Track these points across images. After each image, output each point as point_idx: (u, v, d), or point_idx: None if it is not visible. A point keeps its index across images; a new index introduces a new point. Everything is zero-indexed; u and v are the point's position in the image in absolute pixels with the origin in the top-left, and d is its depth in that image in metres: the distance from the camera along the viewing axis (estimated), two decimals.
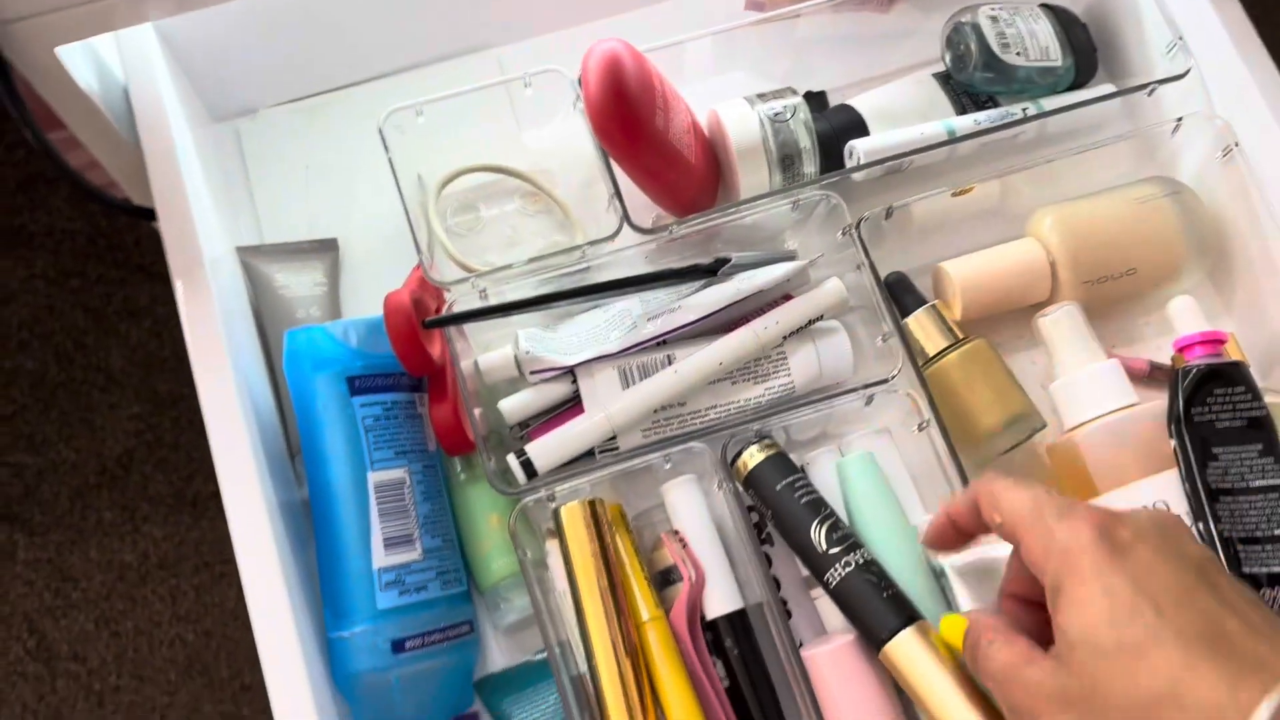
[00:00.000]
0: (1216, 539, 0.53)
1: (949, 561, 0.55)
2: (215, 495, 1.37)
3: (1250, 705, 0.34)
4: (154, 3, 0.54)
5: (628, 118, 0.57)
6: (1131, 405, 0.58)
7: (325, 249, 0.65)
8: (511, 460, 0.58)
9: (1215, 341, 0.56)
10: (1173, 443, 0.56)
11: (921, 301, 0.62)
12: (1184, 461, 0.54)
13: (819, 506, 0.54)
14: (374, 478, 0.56)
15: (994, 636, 0.42)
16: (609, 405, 0.58)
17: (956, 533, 0.46)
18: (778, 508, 0.54)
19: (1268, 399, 0.57)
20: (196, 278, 0.55)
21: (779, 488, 0.54)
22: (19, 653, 1.33)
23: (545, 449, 0.58)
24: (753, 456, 0.55)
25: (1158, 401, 0.57)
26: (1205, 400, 0.55)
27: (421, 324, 0.57)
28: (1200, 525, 0.53)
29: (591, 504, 0.56)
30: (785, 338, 0.60)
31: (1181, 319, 0.59)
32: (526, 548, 0.55)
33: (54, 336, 1.45)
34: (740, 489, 0.57)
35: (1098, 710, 0.37)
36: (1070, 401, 0.59)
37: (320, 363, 0.57)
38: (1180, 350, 0.57)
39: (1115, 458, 0.57)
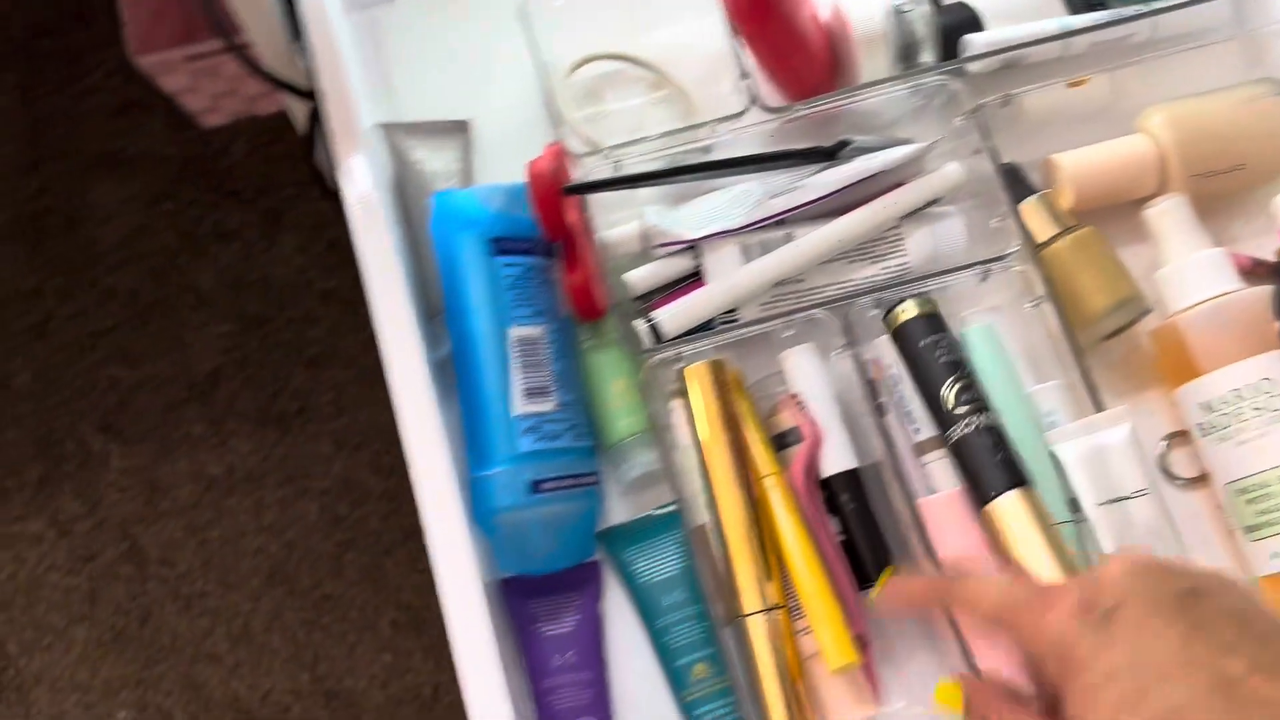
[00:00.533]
0: None
1: (1062, 448, 0.57)
2: (300, 412, 1.43)
3: None
4: None
5: None
6: (1236, 290, 0.60)
7: (459, 129, 0.69)
8: (640, 324, 0.61)
9: None
10: (1276, 324, 0.58)
11: (1032, 191, 0.65)
12: None
13: (956, 367, 0.57)
14: (514, 333, 0.59)
15: (1002, 711, 0.41)
16: (731, 277, 0.62)
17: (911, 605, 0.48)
18: (918, 361, 0.57)
19: None
20: (355, 148, 0.59)
21: (923, 343, 0.57)
22: (112, 556, 1.39)
23: (672, 315, 0.61)
24: (907, 310, 0.58)
25: (1262, 287, 0.59)
26: None
27: (562, 190, 0.60)
28: None
29: (715, 364, 0.59)
30: (902, 219, 0.63)
31: None
32: (654, 403, 0.59)
33: (148, 257, 1.50)
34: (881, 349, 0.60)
35: None
36: (1176, 287, 0.61)
37: (466, 223, 0.60)
38: None
39: (1218, 340, 0.59)
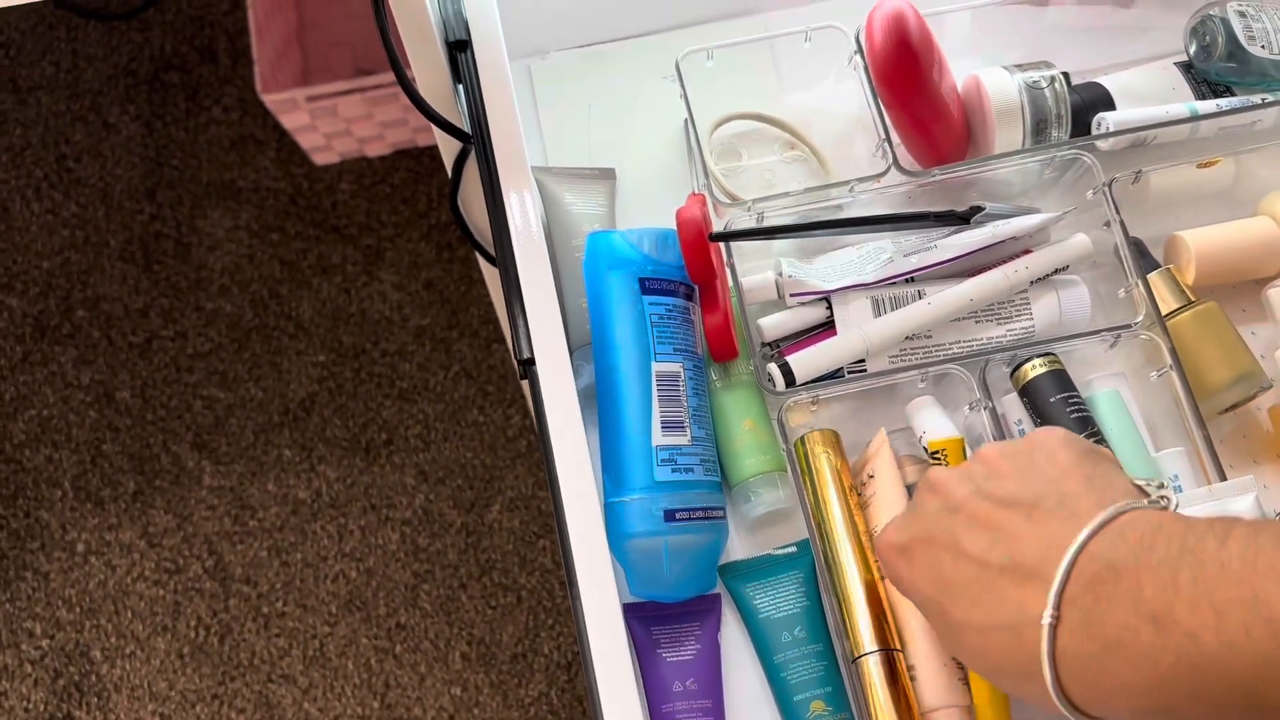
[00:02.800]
0: None
1: (1189, 509, 0.59)
2: (387, 443, 1.47)
3: (1041, 599, 0.43)
4: None
5: (910, 66, 0.63)
6: None
7: (605, 176, 0.73)
8: (773, 367, 0.64)
9: None
10: None
11: (1156, 265, 0.67)
12: None
13: (1086, 424, 0.59)
14: (656, 367, 0.62)
15: None
16: (862, 329, 0.64)
17: None
18: (1048, 417, 0.59)
19: None
20: (522, 186, 0.63)
21: (1054, 399, 0.59)
22: (197, 570, 1.43)
23: (804, 360, 0.64)
24: (1035, 368, 0.60)
25: None
26: None
27: (708, 237, 0.63)
28: None
29: (826, 433, 0.62)
30: (1031, 283, 0.65)
31: None
32: (785, 439, 0.61)
33: (252, 285, 1.56)
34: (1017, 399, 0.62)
35: (949, 639, 0.49)
36: None
37: (617, 263, 0.64)
38: None
39: None
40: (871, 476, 0.61)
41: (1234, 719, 0.39)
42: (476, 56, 0.66)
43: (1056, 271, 0.66)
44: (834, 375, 0.65)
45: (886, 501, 0.61)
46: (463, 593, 1.41)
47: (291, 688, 1.38)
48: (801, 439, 0.63)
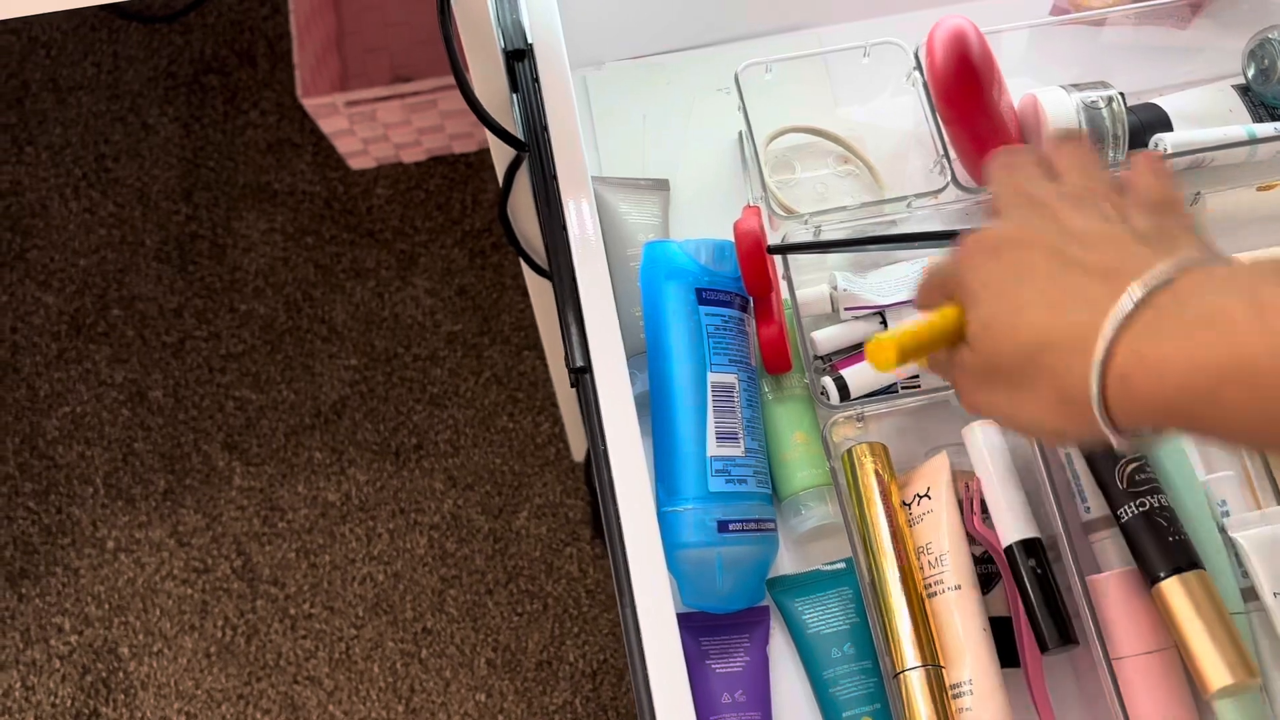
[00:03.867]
0: None
1: (1240, 535, 0.59)
2: (417, 448, 1.47)
3: (1097, 323, 0.40)
4: None
5: (971, 82, 0.64)
6: None
7: (660, 187, 0.73)
8: (828, 381, 0.64)
9: None
10: None
11: None
12: None
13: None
14: (712, 378, 0.63)
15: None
16: None
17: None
18: None
19: None
20: (580, 194, 0.63)
21: None
22: (226, 570, 1.44)
23: (858, 374, 0.64)
24: None
25: None
26: None
27: (766, 249, 0.64)
28: None
29: (875, 446, 0.62)
30: None
31: None
32: (831, 457, 0.61)
33: (285, 287, 1.57)
34: None
35: (1002, 374, 0.44)
36: None
37: (674, 272, 0.64)
38: None
39: None
40: (926, 495, 0.61)
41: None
42: (538, 65, 0.67)
43: None
44: (888, 390, 0.65)
45: (939, 521, 0.61)
46: (489, 599, 1.42)
47: (317, 689, 1.38)
48: (849, 452, 0.62)
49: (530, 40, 0.69)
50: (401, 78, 1.56)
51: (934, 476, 0.61)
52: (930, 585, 0.60)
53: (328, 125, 1.49)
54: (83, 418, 1.51)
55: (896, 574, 0.60)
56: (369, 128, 1.49)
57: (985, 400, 0.47)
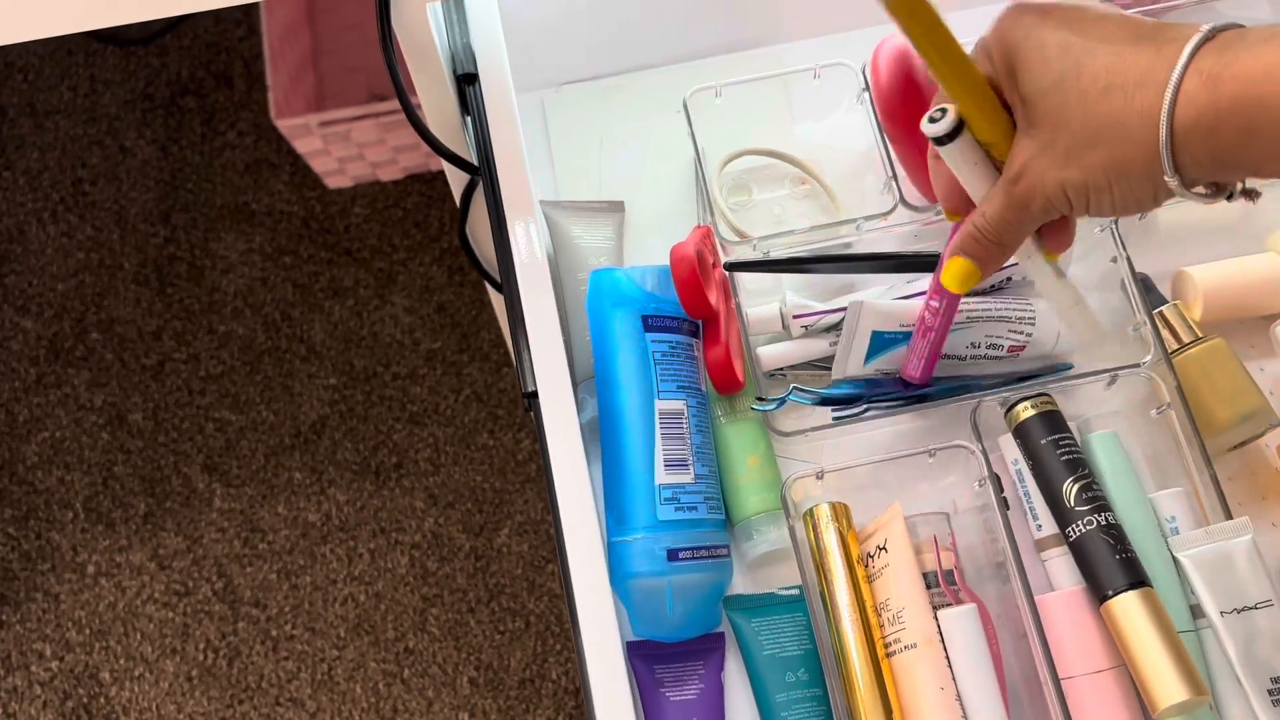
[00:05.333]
0: None
1: (1185, 554, 0.58)
2: (397, 467, 1.47)
3: (1173, 56, 0.42)
4: None
5: (916, 101, 0.63)
6: None
7: (614, 209, 0.73)
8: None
9: None
10: None
11: (1162, 301, 0.67)
12: None
13: (1078, 466, 0.58)
14: (660, 405, 0.62)
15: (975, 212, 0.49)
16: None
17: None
18: (1039, 459, 0.59)
19: None
20: (526, 218, 0.63)
21: (1044, 441, 0.59)
22: (207, 593, 1.43)
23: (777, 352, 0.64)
24: (1027, 409, 0.60)
25: None
26: None
27: (713, 268, 0.63)
28: None
29: (836, 506, 0.62)
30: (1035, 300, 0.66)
31: None
32: (790, 516, 0.61)
33: (264, 307, 1.57)
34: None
35: (1069, 134, 0.44)
36: None
37: (620, 300, 0.64)
38: None
39: None
40: (883, 548, 0.61)
41: None
42: (484, 90, 0.67)
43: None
44: (839, 421, 0.65)
45: (896, 576, 0.60)
46: (471, 617, 1.41)
47: (300, 711, 1.38)
48: (810, 512, 0.62)
49: (479, 65, 0.69)
50: (379, 96, 1.56)
51: (890, 528, 0.60)
52: (890, 644, 0.59)
53: (302, 146, 1.50)
54: (62, 442, 1.51)
55: (858, 644, 0.58)
56: (344, 147, 1.49)
57: (1050, 176, 0.45)
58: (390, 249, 1.59)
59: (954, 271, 0.52)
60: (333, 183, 1.60)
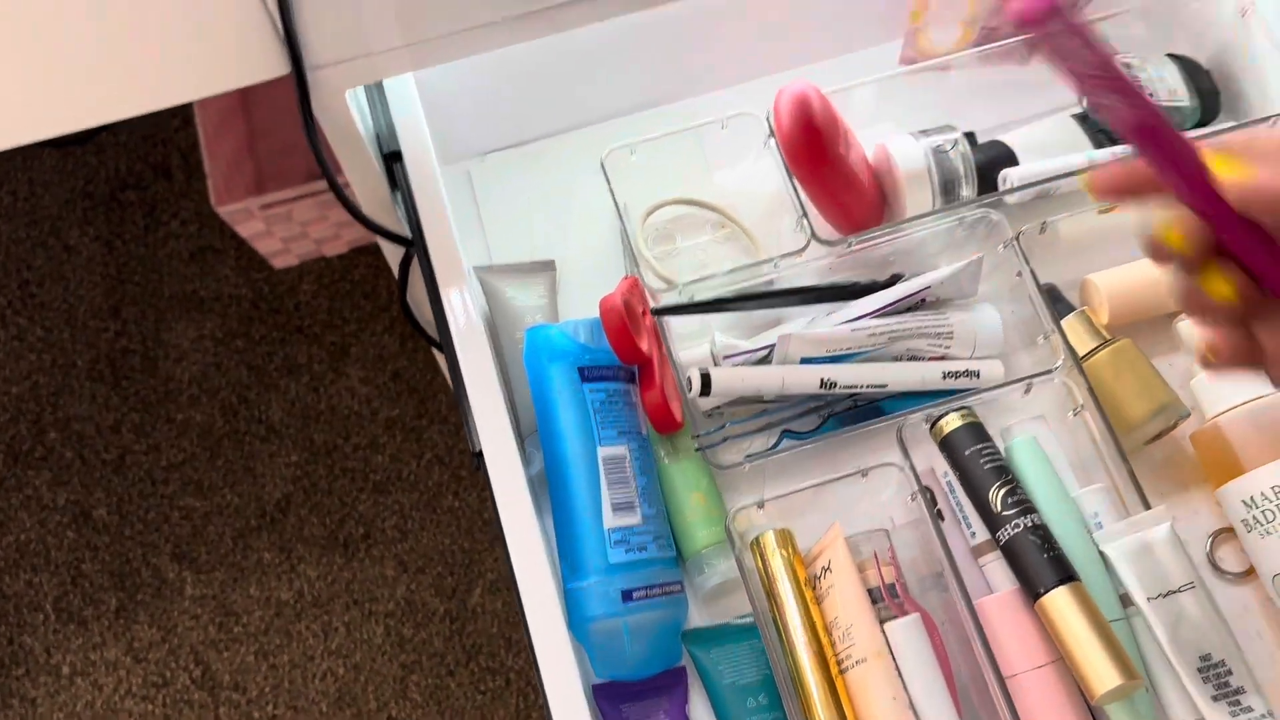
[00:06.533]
0: None
1: (1110, 546, 0.62)
2: (365, 537, 1.48)
3: None
4: (405, 60, 0.66)
5: (816, 143, 0.67)
6: (1271, 393, 0.65)
7: (545, 268, 0.76)
8: (694, 371, 0.66)
9: None
10: None
11: (1070, 309, 0.71)
12: None
13: (1001, 472, 0.62)
14: (602, 452, 0.65)
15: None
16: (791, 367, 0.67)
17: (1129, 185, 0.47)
18: (965, 469, 0.62)
19: None
20: (459, 287, 0.66)
21: (968, 452, 0.62)
22: (185, 682, 1.43)
23: (723, 375, 0.66)
24: (950, 422, 0.63)
25: None
26: None
27: (644, 312, 0.66)
28: None
29: (782, 533, 0.64)
30: (948, 312, 0.69)
31: None
32: (736, 548, 0.64)
33: (220, 392, 1.58)
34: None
35: None
36: (1213, 392, 0.66)
37: (555, 355, 0.66)
38: None
39: (1257, 440, 0.64)
40: (828, 569, 0.63)
41: None
42: (408, 167, 0.70)
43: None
44: (770, 452, 0.68)
45: (844, 594, 0.62)
46: (451, 680, 1.42)
47: None
48: (756, 540, 0.64)
49: (401, 143, 0.72)
50: (317, 175, 1.58)
51: (832, 549, 0.63)
52: (842, 661, 0.61)
53: (245, 230, 1.52)
54: (28, 545, 1.50)
55: (811, 665, 0.61)
56: (287, 227, 1.51)
57: None
58: (341, 322, 1.61)
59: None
60: (279, 262, 1.62)
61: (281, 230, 1.52)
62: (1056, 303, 0.71)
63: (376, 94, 0.74)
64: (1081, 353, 0.69)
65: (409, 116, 0.71)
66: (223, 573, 1.48)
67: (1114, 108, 0.41)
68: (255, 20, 0.59)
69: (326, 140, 0.71)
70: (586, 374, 0.66)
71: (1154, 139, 0.42)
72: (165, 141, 1.71)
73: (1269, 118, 0.72)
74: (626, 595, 0.62)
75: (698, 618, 0.68)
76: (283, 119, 1.65)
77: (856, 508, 0.68)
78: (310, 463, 1.54)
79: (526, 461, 0.70)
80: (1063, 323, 0.70)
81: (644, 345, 0.68)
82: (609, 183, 0.71)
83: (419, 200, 0.68)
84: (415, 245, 0.73)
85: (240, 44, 0.61)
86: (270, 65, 0.63)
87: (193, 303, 1.63)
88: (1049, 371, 0.65)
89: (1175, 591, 0.59)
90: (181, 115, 1.72)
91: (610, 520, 0.64)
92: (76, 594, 1.48)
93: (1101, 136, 0.75)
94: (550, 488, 0.66)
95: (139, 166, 1.70)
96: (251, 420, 1.56)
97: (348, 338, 1.60)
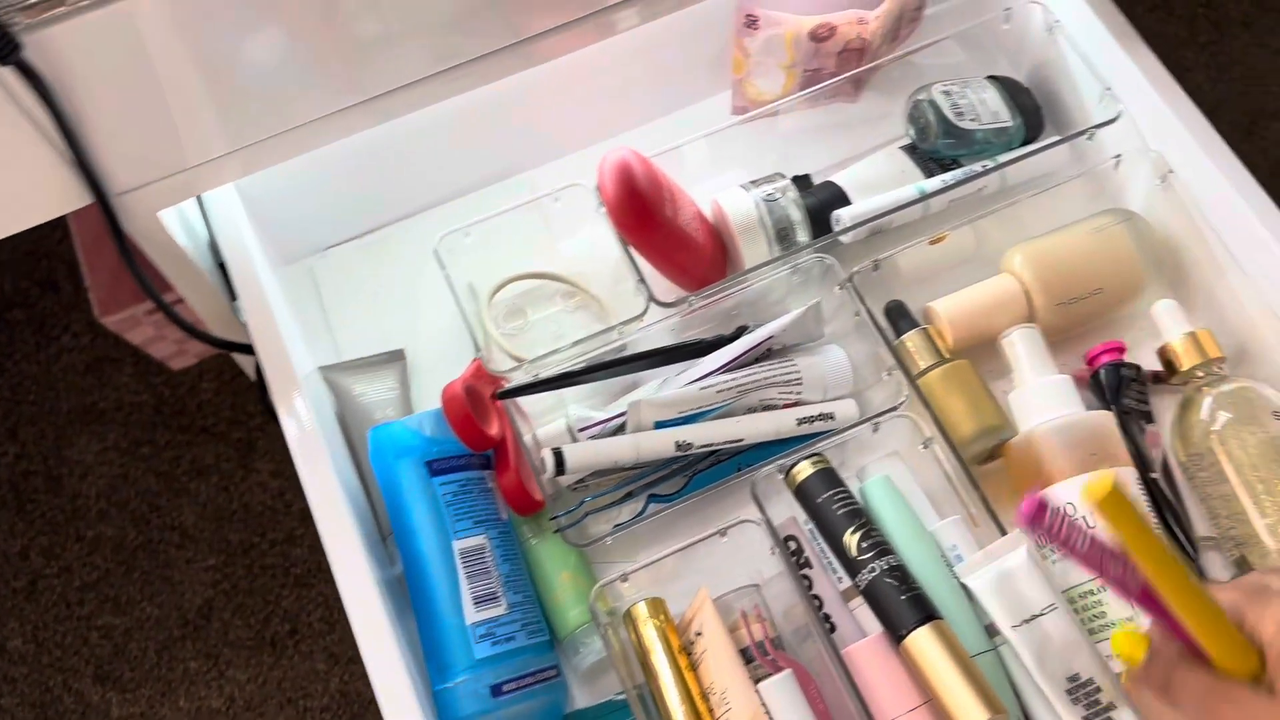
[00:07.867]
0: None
1: (971, 579, 0.61)
2: (292, 633, 1.45)
3: None
4: (228, 169, 0.65)
5: (640, 209, 0.67)
6: (1074, 412, 0.65)
7: (394, 359, 0.75)
8: (547, 453, 0.65)
9: (1116, 350, 0.68)
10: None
11: (915, 326, 0.71)
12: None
13: (855, 516, 0.61)
14: (458, 545, 0.64)
15: (1189, 665, 0.46)
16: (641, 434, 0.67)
17: None
18: (820, 516, 0.62)
19: (1236, 385, 0.65)
20: (293, 395, 0.64)
21: (821, 499, 0.62)
22: None
23: (576, 451, 0.66)
24: (803, 470, 0.63)
25: (1098, 411, 0.66)
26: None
27: (492, 396, 0.66)
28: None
29: (653, 602, 0.64)
30: (794, 355, 0.69)
31: (1164, 320, 0.67)
32: (606, 625, 0.63)
33: (130, 503, 1.55)
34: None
35: None
36: (1025, 408, 0.67)
37: (401, 451, 0.65)
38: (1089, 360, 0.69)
39: (1058, 455, 0.64)
40: (699, 634, 0.62)
41: None
42: (232, 275, 0.69)
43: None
44: (642, 515, 0.67)
45: (716, 657, 0.61)
46: None
47: None
48: (628, 612, 0.63)
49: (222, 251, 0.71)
50: None
51: (701, 613, 0.62)
52: None
53: (135, 337, 1.49)
54: None
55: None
56: (177, 330, 1.49)
57: None
58: (245, 417, 1.58)
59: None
60: (177, 364, 1.60)
61: (173, 333, 1.50)
62: (903, 319, 0.71)
63: (200, 207, 0.73)
64: (915, 371, 0.69)
65: (228, 223, 0.70)
66: (149, 688, 1.45)
67: (1119, 576, 0.45)
68: (43, 155, 0.58)
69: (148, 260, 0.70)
70: (435, 467, 0.65)
71: (1153, 602, 0.46)
72: (49, 255, 1.68)
73: (1083, 132, 0.73)
74: (496, 690, 0.61)
75: (581, 698, 0.67)
76: None
77: (726, 566, 0.67)
78: (228, 564, 1.50)
79: (390, 561, 0.69)
80: (904, 339, 0.70)
81: (494, 429, 0.68)
82: (444, 270, 0.71)
83: (245, 309, 0.67)
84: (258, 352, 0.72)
85: (36, 179, 0.60)
86: (73, 196, 0.62)
87: (93, 415, 1.59)
88: (893, 409, 0.65)
89: (1038, 615, 0.59)
90: (61, 227, 1.69)
91: (472, 615, 0.62)
92: None
93: (931, 164, 0.76)
94: (409, 588, 0.65)
95: (24, 284, 1.67)
96: (164, 528, 1.53)
97: (254, 432, 1.57)
